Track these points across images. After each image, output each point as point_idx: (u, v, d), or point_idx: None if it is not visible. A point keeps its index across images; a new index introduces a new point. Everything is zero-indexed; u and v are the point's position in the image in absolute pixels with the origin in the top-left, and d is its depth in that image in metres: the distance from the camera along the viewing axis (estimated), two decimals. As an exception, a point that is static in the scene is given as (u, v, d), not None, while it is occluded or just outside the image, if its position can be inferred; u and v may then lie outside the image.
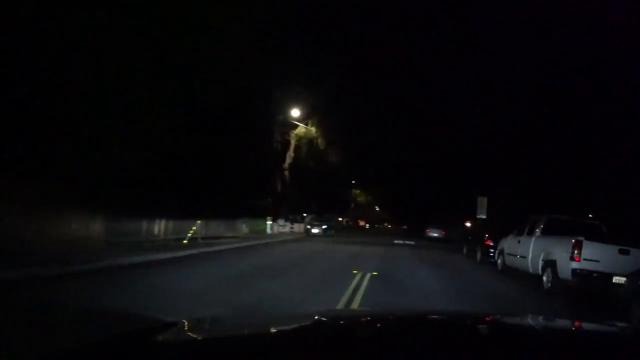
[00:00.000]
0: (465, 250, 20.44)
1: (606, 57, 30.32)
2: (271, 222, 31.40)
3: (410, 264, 15.00)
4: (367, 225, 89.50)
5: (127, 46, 15.66)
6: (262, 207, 33.74)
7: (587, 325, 2.07)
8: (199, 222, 20.07)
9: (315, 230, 33.48)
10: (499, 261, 14.05)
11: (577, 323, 2.10)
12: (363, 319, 2.20)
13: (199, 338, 1.58)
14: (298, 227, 36.77)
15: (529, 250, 11.23)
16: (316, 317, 2.04)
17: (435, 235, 40.52)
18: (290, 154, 34.98)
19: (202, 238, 19.74)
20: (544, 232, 11.07)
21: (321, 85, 33.06)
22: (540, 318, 2.48)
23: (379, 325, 1.95)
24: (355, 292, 8.48)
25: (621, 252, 8.94)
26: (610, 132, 27.83)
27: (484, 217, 28.95)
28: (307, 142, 34.34)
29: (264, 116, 31.99)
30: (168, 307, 5.96)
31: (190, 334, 1.63)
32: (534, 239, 11.26)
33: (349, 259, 14.91)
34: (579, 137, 30.08)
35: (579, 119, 30.47)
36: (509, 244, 13.21)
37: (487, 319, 2.24)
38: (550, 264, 9.87)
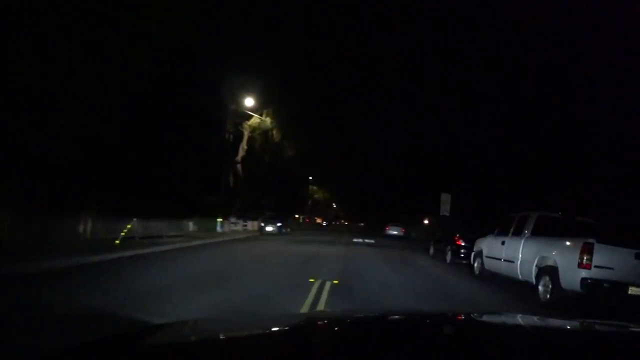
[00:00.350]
0: (432, 250, 18.78)
1: (579, 52, 29.75)
2: (222, 220, 28.96)
3: (375, 268, 13.10)
4: (325, 223, 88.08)
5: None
6: (213, 204, 31.24)
7: (572, 324, 2.08)
8: (135, 219, 17.63)
9: (269, 229, 31.30)
10: (475, 264, 12.34)
11: (561, 321, 2.16)
12: (352, 320, 2.15)
13: (189, 340, 1.58)
14: (252, 225, 34.47)
15: (518, 254, 9.53)
16: (306, 318, 2.21)
17: (395, 233, 39.15)
18: (243, 147, 32.55)
19: (140, 238, 17.40)
20: (535, 233, 9.40)
21: (276, 76, 30.92)
22: (520, 316, 2.46)
23: (368, 326, 1.94)
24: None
25: (638, 257, 7.33)
26: (579, 128, 27.10)
27: (448, 214, 27.64)
28: (261, 134, 32.06)
29: (215, 105, 29.56)
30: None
31: (181, 336, 1.62)
32: (523, 240, 9.56)
33: (305, 262, 12.87)
34: (544, 135, 29.55)
35: (545, 116, 30.13)
36: (489, 245, 11.53)
37: (474, 317, 2.22)
38: (548, 271, 8.17)
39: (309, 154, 41.91)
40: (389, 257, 17.36)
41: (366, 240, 29.27)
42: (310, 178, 62.68)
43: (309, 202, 68.33)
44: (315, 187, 64.41)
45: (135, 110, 19.88)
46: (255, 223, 35.36)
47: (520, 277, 9.45)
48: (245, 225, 34.75)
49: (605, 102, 27.40)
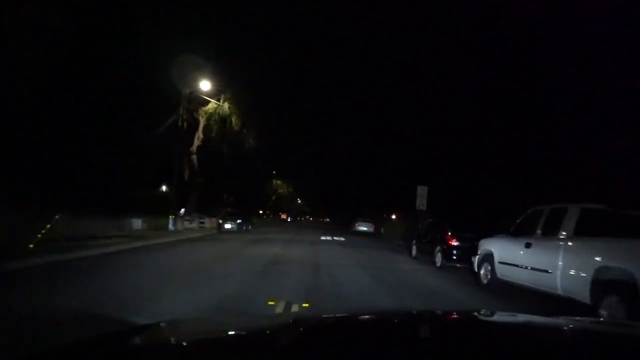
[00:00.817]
0: (414, 250, 16.15)
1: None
2: (174, 217, 25.70)
3: (354, 277, 10.32)
4: (290, 219, 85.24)
5: None
6: (164, 199, 27.93)
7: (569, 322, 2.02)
8: (58, 217, 14.43)
9: (228, 226, 28.17)
10: (481, 271, 9.75)
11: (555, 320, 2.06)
12: (344, 320, 2.11)
13: (180, 340, 1.55)
14: (211, 223, 31.25)
15: (556, 261, 6.93)
16: (296, 318, 2.16)
17: (365, 229, 36.65)
18: (199, 136, 29.22)
19: (67, 239, 14.22)
20: (580, 232, 6.87)
21: (236, 60, 27.80)
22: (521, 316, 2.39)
23: (363, 325, 1.95)
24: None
25: None
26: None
27: (424, 208, 25.24)
28: (218, 121, 28.78)
29: (166, 89, 26.22)
30: None
31: (171, 335, 1.61)
32: (564, 242, 7.00)
33: (265, 272, 9.97)
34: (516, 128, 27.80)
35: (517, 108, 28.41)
36: (503, 247, 8.92)
37: (477, 317, 2.18)
38: (617, 289, 5.62)
39: (272, 145, 38.84)
40: (365, 259, 14.67)
41: (335, 238, 26.60)
42: (274, 172, 59.62)
43: (273, 197, 65.17)
44: (279, 182, 61.24)
45: (55, 84, 16.50)
46: (215, 220, 32.27)
47: (560, 292, 6.87)
48: (203, 223, 31.53)
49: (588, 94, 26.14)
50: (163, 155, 27.92)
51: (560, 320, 2.05)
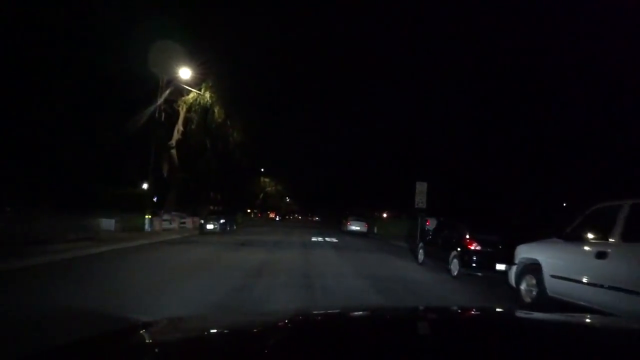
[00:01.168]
0: (421, 255, 14.00)
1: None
2: (151, 217, 23.43)
3: (355, 291, 8.17)
4: (278, 218, 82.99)
5: None
6: (141, 197, 25.54)
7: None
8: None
9: (210, 226, 25.87)
10: (523, 287, 7.58)
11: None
12: (349, 317, 2.06)
13: (182, 337, 1.55)
14: (193, 223, 28.92)
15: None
16: (297, 315, 2.06)
17: (358, 229, 34.50)
18: (178, 128, 26.85)
19: (13, 242, 12.07)
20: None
21: (220, 45, 25.48)
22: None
23: (366, 323, 1.92)
24: None
25: None
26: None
27: (424, 206, 23.18)
28: (200, 112, 26.46)
29: (143, 77, 23.86)
30: None
31: (174, 333, 1.60)
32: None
33: (243, 288, 7.72)
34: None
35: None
36: (556, 256, 6.80)
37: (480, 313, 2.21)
38: None
39: (258, 140, 36.59)
40: (366, 267, 12.51)
41: (327, 239, 24.46)
42: (263, 170, 57.34)
43: (261, 195, 62.85)
44: (267, 180, 58.90)
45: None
46: (198, 220, 29.98)
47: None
48: (184, 223, 29.21)
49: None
50: (141, 149, 25.61)
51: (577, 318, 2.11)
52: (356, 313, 2.23)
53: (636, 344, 1.50)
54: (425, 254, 13.51)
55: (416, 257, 14.39)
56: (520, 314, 2.27)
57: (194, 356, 1.27)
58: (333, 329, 1.68)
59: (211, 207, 41.96)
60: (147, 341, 1.46)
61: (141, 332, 1.56)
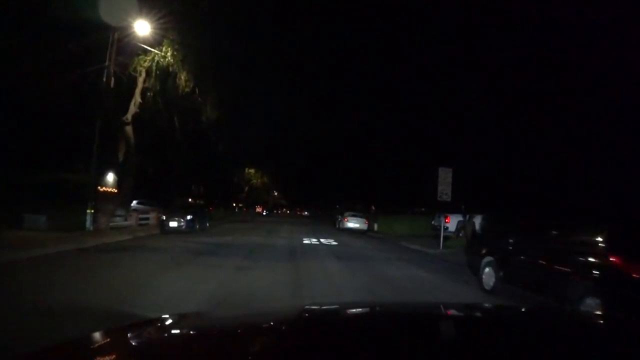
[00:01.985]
0: (491, 277, 8.45)
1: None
2: (94, 212, 17.97)
3: None
4: (265, 212, 77.59)
5: None
6: (81, 186, 19.84)
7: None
8: None
9: (174, 224, 20.27)
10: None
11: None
12: (355, 312, 2.12)
13: (189, 332, 1.57)
14: (157, 218, 23.40)
15: None
16: (304, 310, 2.02)
17: (357, 226, 29.04)
18: (136, 99, 21.08)
19: None
20: None
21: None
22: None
23: (373, 318, 1.92)
24: None
25: None
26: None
27: (449, 199, 17.87)
28: (160, 77, 20.70)
29: (86, 29, 18.15)
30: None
31: (180, 328, 1.62)
32: None
33: None
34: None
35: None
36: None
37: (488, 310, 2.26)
38: None
39: (237, 122, 31.00)
40: (406, 290, 7.11)
41: (323, 241, 19.02)
42: (246, 159, 51.83)
43: (246, 188, 57.05)
44: (252, 171, 53.05)
45: None
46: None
47: None
48: (146, 219, 23.71)
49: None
50: (80, 123, 19.98)
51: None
52: (363, 309, 2.21)
53: None
54: (502, 276, 7.99)
55: (479, 279, 8.83)
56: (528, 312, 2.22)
57: (201, 352, 1.25)
58: (340, 326, 1.68)
59: (191, 200, 36.31)
60: (154, 337, 1.46)
61: (144, 328, 1.57)
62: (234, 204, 62.18)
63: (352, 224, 29.55)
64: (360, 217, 30.45)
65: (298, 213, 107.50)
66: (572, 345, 1.42)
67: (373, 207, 53.67)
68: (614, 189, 15.74)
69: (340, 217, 31.98)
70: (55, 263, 9.26)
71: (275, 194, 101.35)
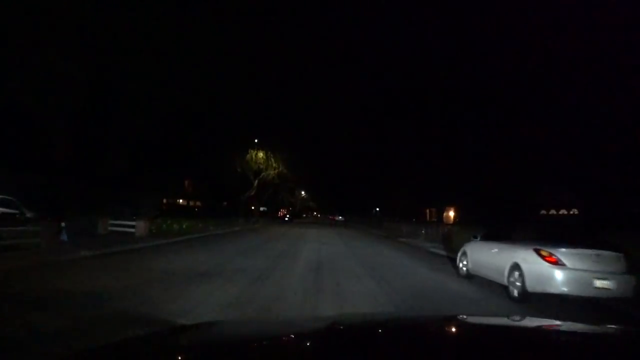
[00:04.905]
0: None
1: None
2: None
3: None
4: (287, 217, 61.76)
5: None
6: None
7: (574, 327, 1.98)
8: None
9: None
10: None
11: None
12: (381, 324, 2.03)
13: (219, 341, 1.57)
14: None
15: None
16: (332, 322, 1.94)
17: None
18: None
19: None
20: None
21: None
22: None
23: (398, 331, 1.82)
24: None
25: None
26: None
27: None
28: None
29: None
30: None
31: (210, 336, 1.64)
32: None
33: None
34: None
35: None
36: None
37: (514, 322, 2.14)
38: None
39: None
40: None
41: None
42: (256, 141, 36.32)
43: (255, 182, 39.25)
44: (261, 155, 36.08)
45: None
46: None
47: None
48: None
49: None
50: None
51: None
52: (390, 322, 2.15)
53: None
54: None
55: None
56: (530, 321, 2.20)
57: None
58: (370, 339, 1.64)
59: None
60: (186, 344, 1.50)
61: (178, 335, 1.64)
62: (253, 208, 46.66)
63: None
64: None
65: (330, 218, 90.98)
66: None
67: (428, 211, 37.25)
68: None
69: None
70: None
71: (303, 195, 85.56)
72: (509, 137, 27.60)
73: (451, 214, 39.95)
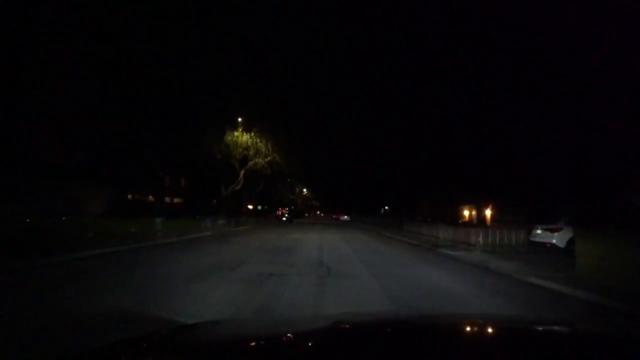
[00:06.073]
0: None
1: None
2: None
3: None
4: (286, 216, 54.66)
5: None
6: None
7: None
8: None
9: None
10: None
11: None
12: (386, 324, 2.00)
13: (225, 340, 1.55)
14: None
15: None
16: (335, 321, 1.89)
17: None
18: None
19: None
20: None
21: None
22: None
23: (402, 331, 1.78)
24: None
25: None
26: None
27: None
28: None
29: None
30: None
31: (214, 336, 1.61)
32: None
33: None
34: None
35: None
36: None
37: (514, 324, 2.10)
38: None
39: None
40: None
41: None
42: (240, 120, 29.00)
43: (241, 173, 32.07)
44: (247, 137, 28.82)
45: None
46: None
47: None
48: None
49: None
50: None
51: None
52: (396, 320, 2.15)
53: None
54: None
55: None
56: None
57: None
58: (373, 338, 1.62)
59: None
60: (186, 344, 1.46)
61: (180, 334, 1.59)
62: (250, 207, 39.45)
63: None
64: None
65: (334, 218, 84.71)
66: None
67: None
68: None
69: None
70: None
71: (305, 192, 78.82)
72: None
73: (487, 212, 32.25)
